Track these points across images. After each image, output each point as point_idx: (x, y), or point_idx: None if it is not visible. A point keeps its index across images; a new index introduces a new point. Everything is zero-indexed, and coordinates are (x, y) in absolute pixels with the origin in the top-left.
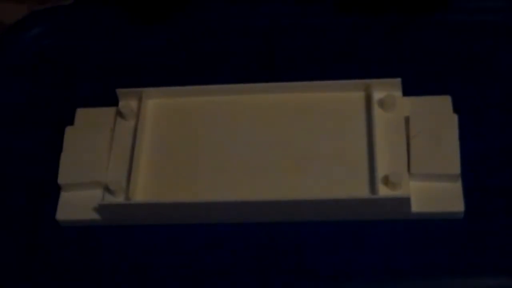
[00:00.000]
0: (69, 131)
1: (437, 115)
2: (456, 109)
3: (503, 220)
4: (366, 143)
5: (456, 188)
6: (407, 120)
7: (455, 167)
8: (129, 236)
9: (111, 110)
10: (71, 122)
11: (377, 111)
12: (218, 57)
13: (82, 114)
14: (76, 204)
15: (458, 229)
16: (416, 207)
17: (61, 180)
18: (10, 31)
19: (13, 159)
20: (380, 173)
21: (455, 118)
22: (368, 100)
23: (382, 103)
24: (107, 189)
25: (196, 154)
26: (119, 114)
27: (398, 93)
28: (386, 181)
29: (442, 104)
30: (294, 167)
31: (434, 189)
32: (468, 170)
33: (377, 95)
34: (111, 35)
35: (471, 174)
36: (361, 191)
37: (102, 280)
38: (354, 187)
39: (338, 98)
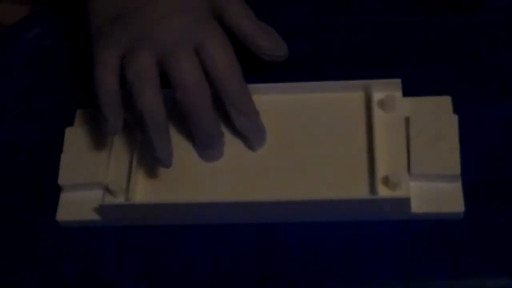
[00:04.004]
0: (69, 131)
1: (437, 115)
2: (456, 109)
3: (503, 220)
4: (366, 144)
5: (456, 188)
6: (407, 120)
7: (455, 167)
8: (129, 236)
9: None
10: (71, 122)
11: (377, 112)
12: None
13: (82, 114)
14: (76, 204)
15: (458, 229)
16: (416, 207)
17: (61, 181)
18: (10, 31)
19: (13, 159)
20: (380, 173)
21: (455, 118)
22: (368, 101)
23: (382, 104)
24: (107, 190)
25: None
26: None
27: (398, 93)
28: (386, 181)
29: (442, 104)
30: (294, 168)
31: (434, 189)
32: (468, 170)
33: (377, 95)
34: None
35: (471, 174)
36: (361, 192)
37: (102, 280)
38: (354, 188)
39: (338, 98)
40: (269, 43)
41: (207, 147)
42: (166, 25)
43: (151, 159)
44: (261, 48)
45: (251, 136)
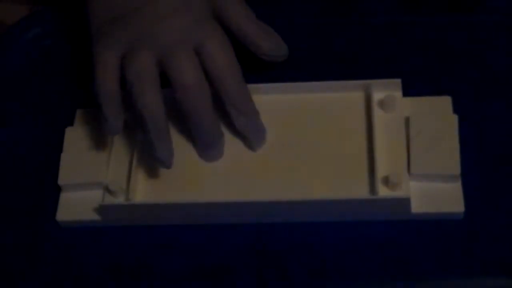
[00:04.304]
0: (69, 131)
1: (437, 115)
2: (456, 109)
3: (503, 220)
4: (366, 144)
5: (456, 188)
6: (407, 120)
7: (455, 167)
8: (129, 236)
9: None
10: (71, 122)
11: (377, 112)
12: None
13: (82, 115)
14: (76, 204)
15: (458, 229)
16: (416, 207)
17: (61, 180)
18: (10, 31)
19: (13, 159)
20: (380, 173)
21: (455, 118)
22: (368, 101)
23: (382, 104)
24: (107, 190)
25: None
26: None
27: (398, 93)
28: (386, 181)
29: (442, 104)
30: (294, 167)
31: (434, 190)
32: (468, 170)
33: (377, 95)
34: None
35: (471, 174)
36: (361, 192)
37: (102, 280)
38: (354, 187)
39: (338, 98)
40: (269, 43)
41: (207, 147)
42: (166, 25)
43: (151, 159)
44: (261, 48)
45: (251, 136)
